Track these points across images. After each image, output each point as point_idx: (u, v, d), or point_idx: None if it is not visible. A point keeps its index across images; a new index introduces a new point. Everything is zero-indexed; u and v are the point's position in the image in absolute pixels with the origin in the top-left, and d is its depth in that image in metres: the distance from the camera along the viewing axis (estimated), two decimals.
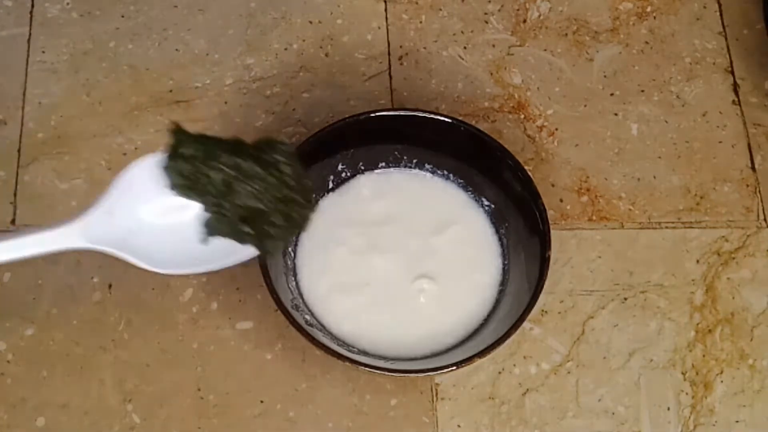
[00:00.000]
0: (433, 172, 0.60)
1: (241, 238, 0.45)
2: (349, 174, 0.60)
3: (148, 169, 0.43)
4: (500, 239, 0.59)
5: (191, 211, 0.45)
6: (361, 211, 0.59)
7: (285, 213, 0.45)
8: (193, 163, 0.43)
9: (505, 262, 0.58)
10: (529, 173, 0.57)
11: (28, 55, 0.65)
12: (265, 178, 0.44)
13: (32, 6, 0.66)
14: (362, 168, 0.60)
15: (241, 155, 0.44)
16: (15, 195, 0.60)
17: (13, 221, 0.59)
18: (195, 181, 0.43)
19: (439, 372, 0.52)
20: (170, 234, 0.44)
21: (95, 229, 0.42)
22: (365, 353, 0.55)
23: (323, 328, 0.56)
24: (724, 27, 0.70)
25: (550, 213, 0.57)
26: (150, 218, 0.44)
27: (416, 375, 0.55)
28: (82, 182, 0.61)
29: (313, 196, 0.47)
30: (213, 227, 0.45)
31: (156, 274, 0.43)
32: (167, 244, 0.44)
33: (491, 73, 0.67)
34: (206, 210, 0.44)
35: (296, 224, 0.46)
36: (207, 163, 0.43)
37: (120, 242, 0.43)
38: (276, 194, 0.45)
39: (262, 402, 0.56)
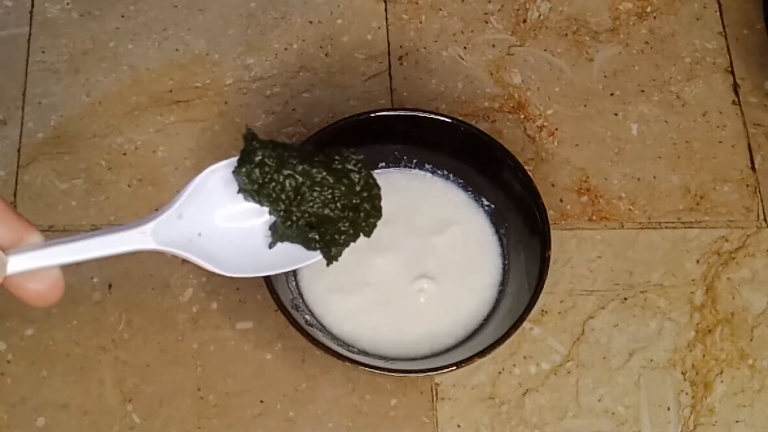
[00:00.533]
0: (433, 172, 0.60)
1: (308, 244, 0.46)
2: None
3: (221, 175, 0.44)
4: (500, 239, 0.59)
5: (261, 216, 0.46)
6: None
7: (352, 220, 0.46)
8: (265, 169, 0.44)
9: (505, 262, 0.58)
10: (529, 173, 0.57)
11: (28, 55, 0.65)
12: (334, 186, 0.45)
13: (32, 6, 0.66)
14: None
15: (312, 163, 0.45)
16: (15, 195, 0.60)
17: None
18: (265, 186, 0.44)
19: (439, 372, 0.52)
20: (239, 238, 0.45)
21: (165, 232, 0.42)
22: (365, 353, 0.55)
23: (323, 328, 0.56)
24: (724, 27, 0.70)
25: (550, 213, 0.57)
26: (219, 222, 0.45)
27: (416, 375, 0.55)
28: (82, 182, 0.61)
29: (381, 203, 0.47)
30: (281, 232, 0.45)
31: (223, 276, 0.44)
32: (235, 247, 0.45)
33: (491, 73, 0.67)
34: (275, 215, 0.45)
35: (362, 231, 0.47)
36: (279, 170, 0.44)
37: (187, 244, 0.43)
38: (345, 202, 0.46)
39: (262, 402, 0.56)
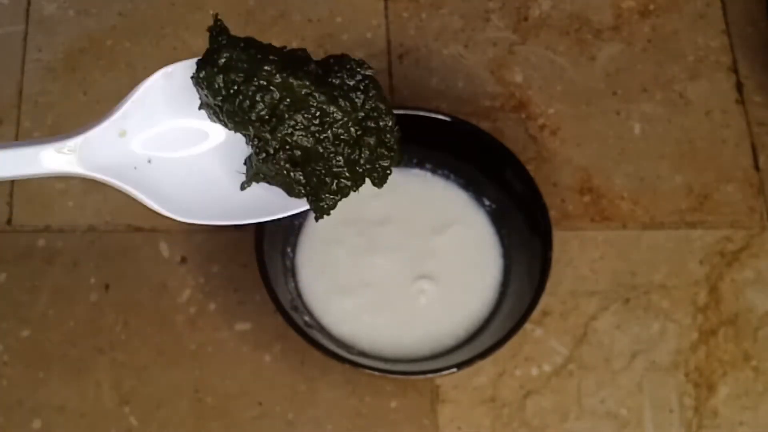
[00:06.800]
0: (433, 172, 0.60)
1: (289, 187, 0.35)
2: None
3: (179, 80, 0.33)
4: (501, 239, 0.59)
5: (234, 145, 0.35)
6: (360, 211, 0.59)
7: (349, 159, 0.34)
8: (230, 76, 0.32)
9: (507, 263, 0.58)
10: (531, 173, 0.56)
11: (24, 53, 0.64)
12: (325, 107, 0.33)
13: (28, 4, 0.66)
14: None
15: (297, 73, 0.33)
16: (11, 195, 0.60)
17: (9, 221, 0.59)
18: (230, 101, 0.33)
19: (439, 374, 0.52)
20: (197, 170, 0.35)
21: (99, 152, 0.32)
22: (365, 355, 0.55)
23: (322, 329, 0.55)
24: (727, 25, 0.69)
25: (551, 213, 0.56)
26: (175, 147, 0.34)
27: (416, 377, 0.55)
28: (79, 182, 0.60)
29: (397, 140, 0.36)
30: (255, 168, 0.34)
31: (172, 219, 0.34)
32: (192, 183, 0.34)
33: (492, 72, 0.66)
34: (249, 144, 0.34)
35: (366, 176, 0.35)
36: (249, 79, 0.32)
37: (129, 172, 0.32)
38: (339, 132, 0.34)
39: (260, 404, 0.56)
